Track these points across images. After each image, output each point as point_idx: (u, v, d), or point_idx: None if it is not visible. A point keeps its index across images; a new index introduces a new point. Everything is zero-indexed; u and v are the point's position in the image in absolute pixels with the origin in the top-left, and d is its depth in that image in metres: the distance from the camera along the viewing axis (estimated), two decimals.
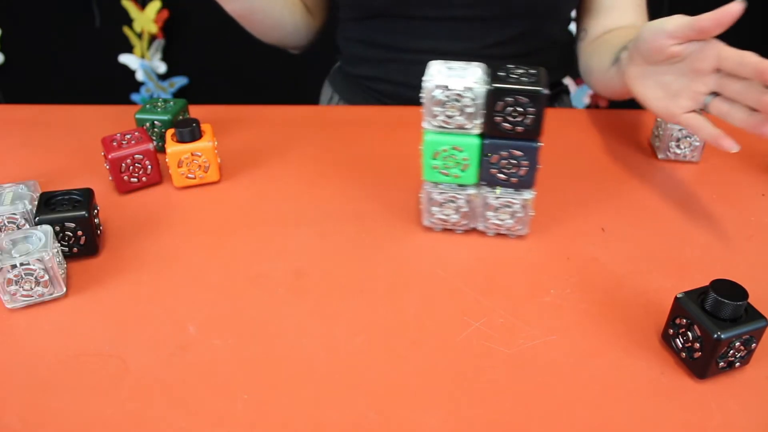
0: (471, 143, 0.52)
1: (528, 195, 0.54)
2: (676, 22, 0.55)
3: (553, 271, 0.53)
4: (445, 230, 0.58)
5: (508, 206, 0.54)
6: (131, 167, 0.63)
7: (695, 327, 0.43)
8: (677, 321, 0.45)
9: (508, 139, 0.52)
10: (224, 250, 0.56)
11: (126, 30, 1.65)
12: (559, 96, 0.93)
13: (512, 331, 0.48)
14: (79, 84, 1.76)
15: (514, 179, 0.53)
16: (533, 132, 0.51)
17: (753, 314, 0.43)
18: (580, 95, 1.68)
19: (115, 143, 0.62)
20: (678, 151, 0.69)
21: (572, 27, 0.90)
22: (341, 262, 0.54)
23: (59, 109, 0.81)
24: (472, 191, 0.55)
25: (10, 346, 0.47)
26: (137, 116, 0.69)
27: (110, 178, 0.63)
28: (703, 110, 0.58)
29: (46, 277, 0.49)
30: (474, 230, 0.58)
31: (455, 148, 0.52)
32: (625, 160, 0.70)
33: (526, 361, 0.45)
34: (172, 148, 0.62)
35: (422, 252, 0.56)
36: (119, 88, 1.75)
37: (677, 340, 0.45)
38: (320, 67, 1.05)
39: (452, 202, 0.55)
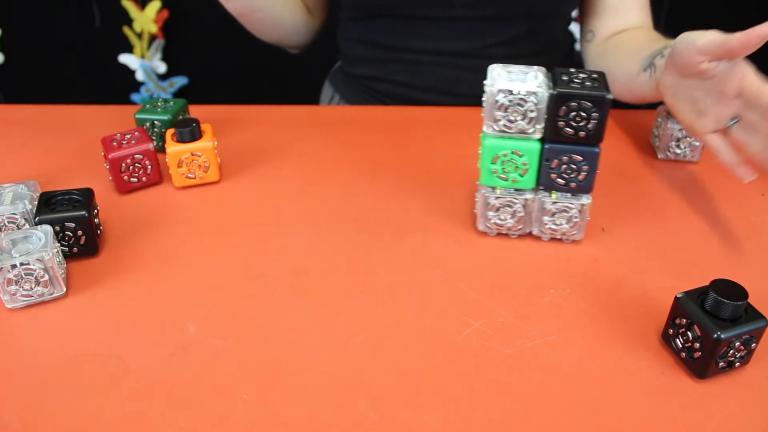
0: (532, 148, 0.52)
1: (585, 200, 0.54)
2: (707, 38, 0.53)
3: (553, 271, 0.53)
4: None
5: (565, 211, 0.54)
6: (131, 167, 0.63)
7: (695, 327, 0.43)
8: (677, 321, 0.45)
9: (569, 144, 0.51)
10: (224, 250, 0.56)
11: (126, 30, 1.65)
12: None
13: (512, 331, 0.48)
14: (79, 84, 1.76)
15: (573, 184, 0.53)
16: (595, 137, 0.50)
17: (753, 314, 0.43)
18: None
19: (115, 143, 0.62)
20: (678, 151, 0.69)
21: (572, 27, 0.90)
22: (341, 262, 0.54)
23: (59, 109, 0.81)
24: (529, 196, 0.54)
25: (10, 346, 0.47)
26: (137, 116, 0.69)
27: (110, 178, 0.63)
28: (726, 132, 0.56)
29: (46, 277, 0.49)
30: (530, 234, 0.57)
31: (515, 153, 0.52)
32: (625, 160, 0.70)
33: (526, 361, 0.45)
34: (172, 148, 0.62)
35: (422, 252, 0.56)
36: (119, 88, 1.75)
37: (677, 340, 0.45)
38: (320, 67, 1.05)
39: (509, 206, 0.55)
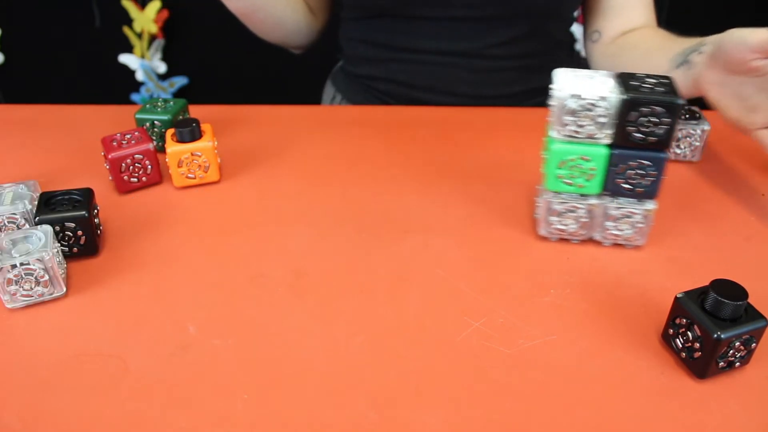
0: (600, 153, 0.51)
1: (650, 206, 0.53)
2: (760, 36, 0.53)
3: (553, 271, 0.53)
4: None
5: (629, 216, 0.54)
6: (131, 167, 0.63)
7: (695, 327, 0.43)
8: (677, 321, 0.45)
9: (637, 149, 0.51)
10: (224, 250, 0.56)
11: (126, 30, 1.65)
12: None
13: (512, 331, 0.48)
14: (79, 84, 1.76)
15: (639, 189, 0.52)
16: (664, 143, 0.50)
17: (753, 314, 0.43)
18: None
19: (115, 143, 0.62)
20: (678, 151, 0.69)
21: (573, 29, 0.90)
22: (341, 262, 0.54)
23: (59, 109, 0.81)
24: (593, 201, 0.54)
25: (10, 346, 0.47)
26: (137, 116, 0.69)
27: (110, 178, 0.63)
28: None
29: (46, 277, 0.49)
30: (591, 240, 0.57)
31: (583, 158, 0.52)
32: None
33: (526, 361, 0.45)
34: (172, 148, 0.62)
35: (422, 252, 0.56)
36: (119, 88, 1.76)
37: (677, 340, 0.45)
38: (322, 66, 1.05)
39: (572, 212, 0.54)
